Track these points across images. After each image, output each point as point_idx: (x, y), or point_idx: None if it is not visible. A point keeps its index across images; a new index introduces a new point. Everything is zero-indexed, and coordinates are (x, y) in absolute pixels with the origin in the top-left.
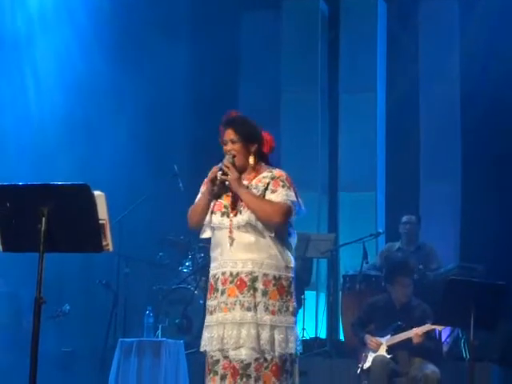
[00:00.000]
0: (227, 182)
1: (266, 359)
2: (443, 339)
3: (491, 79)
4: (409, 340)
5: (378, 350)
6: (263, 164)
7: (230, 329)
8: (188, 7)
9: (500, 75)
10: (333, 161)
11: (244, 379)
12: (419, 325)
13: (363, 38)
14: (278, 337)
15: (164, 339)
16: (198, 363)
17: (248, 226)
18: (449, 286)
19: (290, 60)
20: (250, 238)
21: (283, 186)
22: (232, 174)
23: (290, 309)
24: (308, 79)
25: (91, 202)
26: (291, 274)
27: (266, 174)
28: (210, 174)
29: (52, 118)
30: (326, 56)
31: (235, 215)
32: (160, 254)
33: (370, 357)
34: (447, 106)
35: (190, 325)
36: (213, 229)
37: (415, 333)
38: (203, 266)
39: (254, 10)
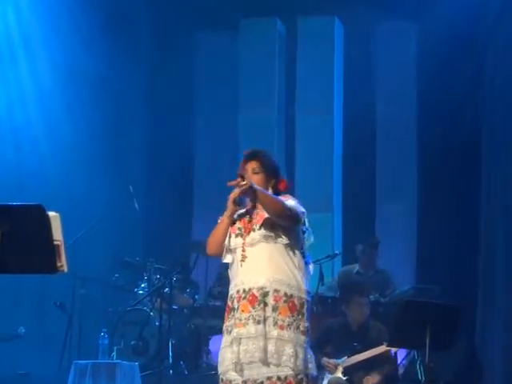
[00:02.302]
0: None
1: (279, 378)
2: (399, 361)
3: (447, 100)
4: (365, 361)
5: (335, 371)
6: None
7: (245, 343)
8: (147, 24)
9: (456, 96)
10: (290, 180)
11: None
12: (375, 346)
13: (320, 59)
14: (287, 352)
15: (119, 361)
16: None
17: (261, 243)
18: (404, 308)
19: (247, 80)
20: (262, 254)
21: (293, 200)
22: (248, 179)
23: (301, 328)
24: (265, 99)
25: (45, 223)
26: (305, 296)
27: None
28: (232, 195)
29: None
30: (284, 76)
31: (248, 234)
32: (116, 275)
33: (326, 379)
34: (403, 126)
35: (146, 347)
36: (230, 252)
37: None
38: (159, 288)
39: (210, 31)
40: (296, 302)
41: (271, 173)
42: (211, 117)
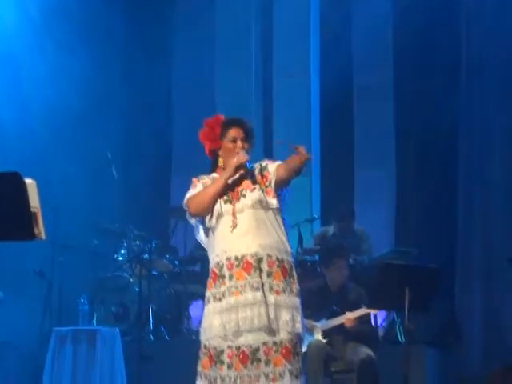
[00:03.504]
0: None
1: (274, 342)
2: (379, 323)
3: (424, 63)
4: (343, 324)
5: (313, 332)
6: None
7: (244, 311)
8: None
9: (434, 58)
10: (268, 145)
11: (255, 363)
12: (354, 308)
13: (297, 22)
14: (284, 317)
15: (99, 327)
16: (133, 351)
17: (251, 209)
18: (383, 270)
19: (224, 44)
20: (252, 221)
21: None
22: (238, 147)
23: (294, 290)
24: (242, 63)
25: (22, 190)
26: (291, 259)
27: (255, 165)
28: (239, 160)
29: None
30: (260, 40)
31: (238, 200)
32: (95, 241)
33: (306, 340)
34: (381, 90)
35: (126, 313)
36: (219, 217)
37: (348, 317)
38: (138, 254)
39: None
40: (286, 265)
41: (252, 141)
42: (188, 81)
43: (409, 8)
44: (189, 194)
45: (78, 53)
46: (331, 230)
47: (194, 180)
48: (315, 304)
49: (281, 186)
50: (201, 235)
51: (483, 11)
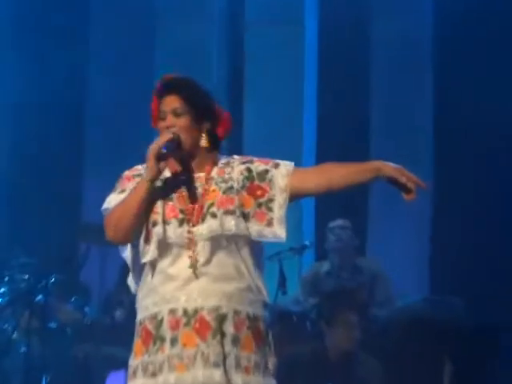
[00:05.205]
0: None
1: None
2: None
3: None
4: None
5: None
6: (216, 153)
7: None
8: None
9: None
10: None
11: None
12: None
13: None
14: None
15: None
16: None
17: (219, 239)
18: (410, 330)
19: None
20: (219, 257)
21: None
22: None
23: (270, 367)
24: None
25: None
26: (267, 314)
27: (229, 160)
28: (155, 146)
29: None
30: None
31: (197, 222)
32: None
33: None
34: (415, 52)
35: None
36: (162, 246)
37: None
38: (27, 295)
39: None
40: (261, 326)
41: (202, 112)
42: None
43: None
44: (106, 204)
45: None
46: (325, 265)
47: (122, 176)
48: (304, 379)
49: (291, 202)
50: (128, 256)
51: None
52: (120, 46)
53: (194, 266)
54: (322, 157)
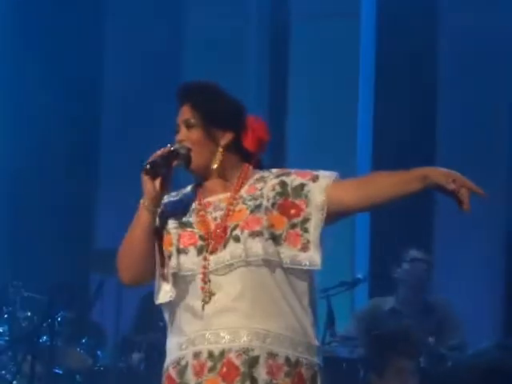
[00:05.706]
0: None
1: None
2: None
3: None
4: None
5: None
6: (250, 167)
7: None
8: None
9: None
10: (277, 134)
11: None
12: None
13: None
14: None
15: None
16: None
17: (247, 266)
18: (484, 381)
19: None
20: (246, 287)
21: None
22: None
23: None
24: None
25: None
26: (317, 360)
27: (263, 175)
28: (147, 170)
29: None
30: None
31: (216, 249)
32: None
33: None
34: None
35: None
36: (175, 280)
37: None
38: (29, 336)
39: None
40: (305, 372)
41: (219, 123)
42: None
43: None
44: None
45: None
46: (389, 302)
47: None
48: None
49: (332, 221)
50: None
51: None
52: (142, 45)
53: (205, 300)
54: (378, 167)
